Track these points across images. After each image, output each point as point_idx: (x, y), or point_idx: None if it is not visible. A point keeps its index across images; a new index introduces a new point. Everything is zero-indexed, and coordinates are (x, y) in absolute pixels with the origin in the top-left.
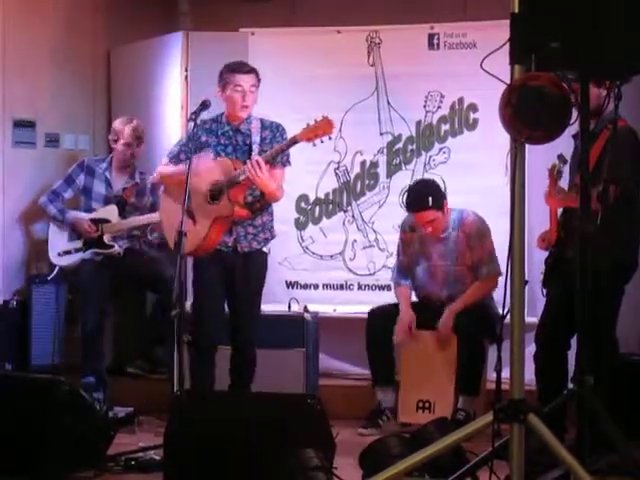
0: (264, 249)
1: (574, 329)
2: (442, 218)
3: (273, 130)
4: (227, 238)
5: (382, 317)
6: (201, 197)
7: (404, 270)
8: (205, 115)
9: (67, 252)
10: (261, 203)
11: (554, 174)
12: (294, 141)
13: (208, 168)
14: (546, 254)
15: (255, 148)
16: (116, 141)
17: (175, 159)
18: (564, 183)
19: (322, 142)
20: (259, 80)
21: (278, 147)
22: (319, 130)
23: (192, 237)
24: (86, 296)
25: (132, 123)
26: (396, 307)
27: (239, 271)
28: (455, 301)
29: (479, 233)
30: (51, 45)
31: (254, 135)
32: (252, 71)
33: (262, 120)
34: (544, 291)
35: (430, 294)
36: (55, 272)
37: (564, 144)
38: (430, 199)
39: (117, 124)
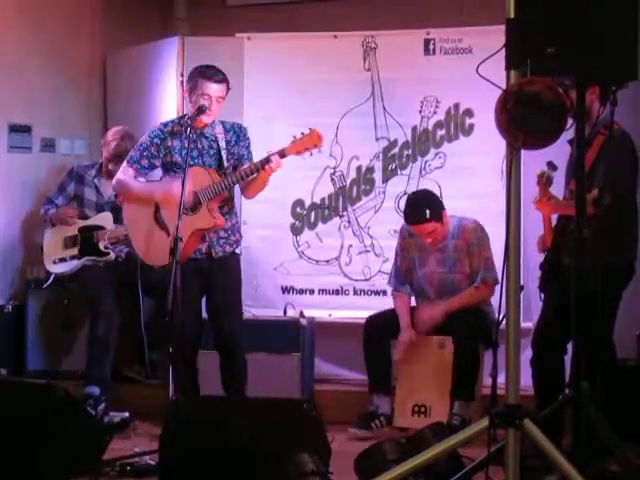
0: (237, 250)
1: (570, 334)
2: (441, 228)
3: (236, 131)
4: (201, 245)
5: (379, 325)
6: (174, 208)
7: (402, 275)
8: (167, 117)
9: (62, 259)
10: (229, 206)
11: (543, 181)
12: (282, 154)
13: (173, 180)
14: (542, 259)
15: (224, 154)
16: (107, 155)
17: (137, 164)
18: (559, 189)
19: (311, 155)
20: (229, 90)
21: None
22: (309, 143)
23: (164, 248)
24: (96, 301)
25: (118, 141)
26: (393, 313)
27: (215, 277)
28: (450, 300)
29: (479, 241)
30: (47, 50)
31: (220, 140)
32: (223, 81)
33: (223, 123)
34: (542, 296)
35: (428, 300)
36: (50, 280)
37: (554, 150)
38: (428, 212)
39: (109, 134)
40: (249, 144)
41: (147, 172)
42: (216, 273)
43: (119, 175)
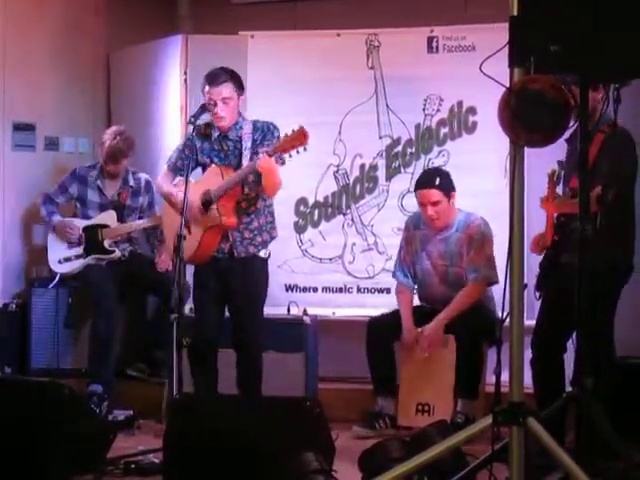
0: (261, 254)
1: (569, 332)
2: (447, 207)
3: (264, 130)
4: (223, 244)
5: (381, 327)
6: (195, 208)
7: (406, 268)
8: (200, 120)
9: (67, 259)
10: (256, 206)
11: (554, 179)
12: (269, 153)
13: (200, 179)
14: (541, 258)
15: (247, 154)
16: (100, 156)
17: (173, 166)
18: (559, 188)
19: (298, 153)
20: (239, 87)
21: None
22: (295, 142)
23: (187, 246)
24: (97, 300)
25: (110, 141)
26: (395, 315)
27: (236, 277)
28: (445, 309)
29: (482, 238)
30: (51, 48)
31: (245, 140)
32: (225, 82)
33: (255, 122)
34: (537, 294)
35: (430, 293)
36: (56, 280)
37: (562, 149)
38: (438, 179)
39: (104, 135)
40: (276, 142)
41: (184, 173)
42: (236, 274)
43: (158, 178)
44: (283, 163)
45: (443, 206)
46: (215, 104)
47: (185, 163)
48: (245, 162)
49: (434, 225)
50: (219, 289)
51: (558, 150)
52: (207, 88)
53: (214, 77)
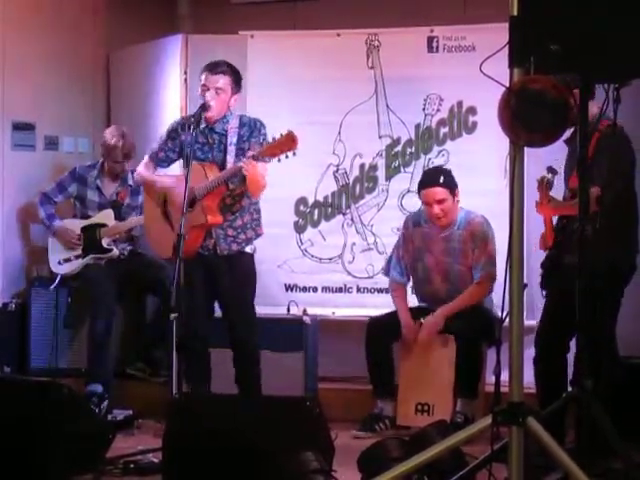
0: (247, 249)
1: (572, 332)
2: (452, 205)
3: (251, 126)
4: (207, 241)
5: (380, 329)
6: (178, 204)
7: (404, 267)
8: (171, 115)
9: (67, 260)
10: (241, 204)
11: (544, 185)
12: (256, 157)
13: (184, 175)
14: (543, 257)
15: (231, 149)
16: (106, 155)
17: (155, 157)
18: (558, 192)
19: (287, 157)
20: (235, 84)
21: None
22: (284, 146)
23: (169, 242)
24: (96, 299)
25: (122, 140)
26: (394, 316)
27: (223, 274)
28: (449, 303)
29: (484, 235)
30: (51, 48)
31: (231, 135)
32: (224, 73)
33: (241, 117)
34: (544, 293)
35: (431, 291)
36: (57, 281)
37: (554, 155)
38: (442, 177)
39: (108, 136)
40: (263, 140)
41: (165, 165)
42: (223, 271)
43: (139, 167)
44: (269, 160)
45: (448, 204)
46: (207, 90)
47: (184, 154)
48: (229, 158)
49: (439, 223)
50: (207, 285)
51: (559, 153)
52: (204, 74)
53: (214, 65)
